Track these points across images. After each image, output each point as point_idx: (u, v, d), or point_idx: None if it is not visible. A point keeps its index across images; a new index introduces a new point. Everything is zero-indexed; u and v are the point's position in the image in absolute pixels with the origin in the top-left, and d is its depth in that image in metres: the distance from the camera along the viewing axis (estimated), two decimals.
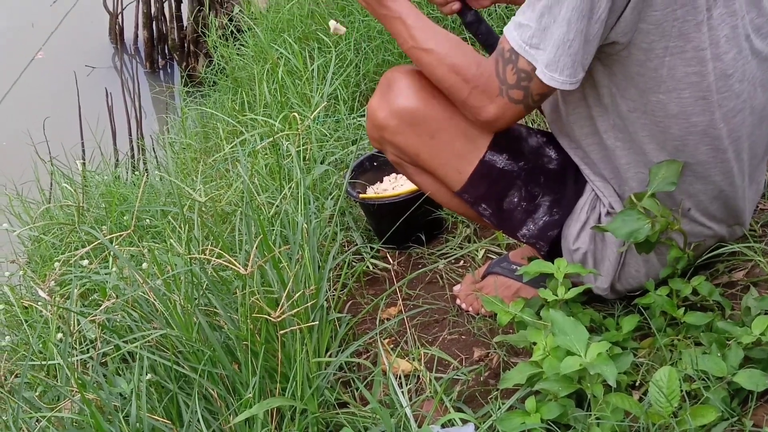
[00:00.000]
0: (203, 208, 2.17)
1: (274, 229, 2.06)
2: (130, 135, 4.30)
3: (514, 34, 1.72)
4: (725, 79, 1.75)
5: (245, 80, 3.45)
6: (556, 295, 1.87)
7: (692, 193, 1.86)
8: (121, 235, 1.98)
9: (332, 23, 2.17)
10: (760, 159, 1.93)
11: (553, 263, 1.89)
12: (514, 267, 2.18)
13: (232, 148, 2.53)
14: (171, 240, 1.94)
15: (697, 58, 1.71)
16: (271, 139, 2.25)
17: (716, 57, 1.72)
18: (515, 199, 1.94)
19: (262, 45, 3.42)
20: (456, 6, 2.02)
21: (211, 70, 4.13)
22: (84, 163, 3.12)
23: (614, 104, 1.78)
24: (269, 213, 2.05)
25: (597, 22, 1.64)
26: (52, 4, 5.91)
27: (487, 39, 2.08)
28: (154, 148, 3.99)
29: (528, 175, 1.93)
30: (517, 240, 2.03)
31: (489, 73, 1.78)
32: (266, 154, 2.64)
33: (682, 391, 1.56)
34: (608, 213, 1.90)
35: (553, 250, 1.98)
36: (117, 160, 4.01)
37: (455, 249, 2.47)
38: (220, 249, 1.91)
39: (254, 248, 1.81)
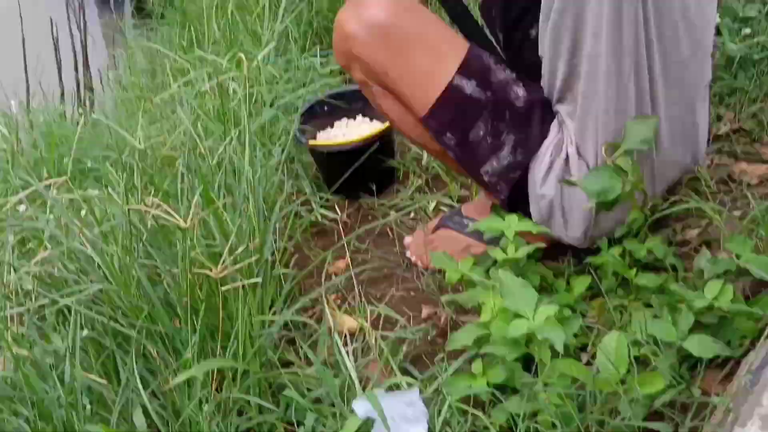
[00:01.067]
0: (146, 153, 2.08)
1: (217, 179, 1.98)
2: (77, 70, 4.16)
3: None
4: None
5: (194, 15, 3.33)
6: (506, 254, 1.83)
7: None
8: (56, 182, 1.89)
9: None
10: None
11: (512, 212, 1.85)
12: (466, 222, 2.13)
13: (177, 88, 2.43)
14: (108, 189, 1.85)
15: None
16: (215, 81, 2.16)
17: None
18: (481, 132, 1.89)
19: None
20: None
21: (159, 2, 3.99)
22: (27, 102, 2.99)
23: None
24: (212, 161, 1.97)
25: None
26: None
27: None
28: (101, 84, 3.86)
29: (494, 107, 1.89)
30: (479, 179, 1.97)
31: None
32: (214, 96, 2.54)
33: (630, 357, 1.53)
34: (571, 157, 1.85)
35: (513, 197, 1.93)
36: (62, 96, 3.88)
37: (406, 200, 2.41)
38: (161, 198, 1.84)
39: (195, 199, 1.74)
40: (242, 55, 2.07)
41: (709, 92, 1.94)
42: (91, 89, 4.02)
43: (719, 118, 2.42)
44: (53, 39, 4.06)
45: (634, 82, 1.77)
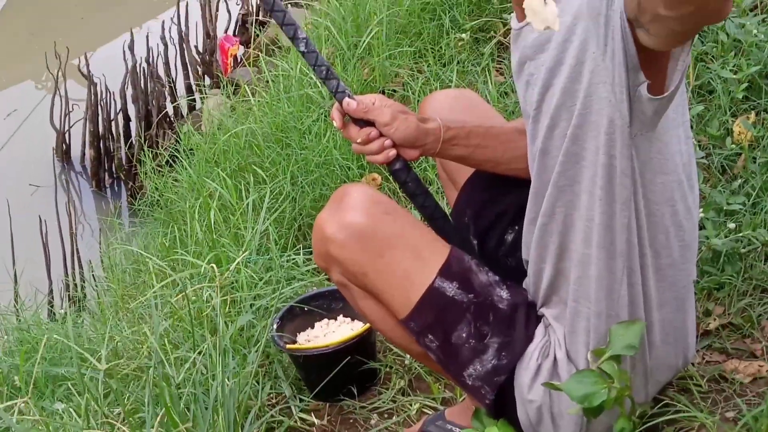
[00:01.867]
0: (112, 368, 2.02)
1: (185, 394, 1.91)
2: (65, 266, 4.15)
3: None
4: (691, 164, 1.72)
5: (179, 214, 3.35)
6: None
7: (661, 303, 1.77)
8: (17, 403, 1.82)
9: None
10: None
11: (498, 417, 1.78)
12: (450, 427, 2.05)
13: (152, 294, 2.40)
14: (71, 410, 1.78)
15: None
16: (189, 290, 2.13)
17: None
18: (464, 334, 1.83)
19: (196, 177, 3.34)
20: (392, 153, 1.92)
21: (144, 202, 4.03)
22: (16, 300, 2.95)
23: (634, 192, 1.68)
24: (179, 376, 1.91)
25: None
26: (5, 118, 5.86)
27: (415, 188, 1.98)
28: (83, 284, 3.85)
29: (477, 309, 1.83)
30: (462, 383, 1.89)
31: None
32: (194, 299, 2.51)
33: None
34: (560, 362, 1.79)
35: (499, 401, 1.85)
36: (51, 293, 3.87)
37: (388, 403, 2.33)
38: (124, 419, 1.77)
39: (156, 424, 1.67)
40: (214, 267, 2.03)
41: (694, 289, 1.90)
42: (81, 286, 4.00)
43: (708, 313, 2.36)
44: (42, 238, 4.07)
45: (626, 285, 1.73)
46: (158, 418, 1.68)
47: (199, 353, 2.02)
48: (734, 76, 2.83)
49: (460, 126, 1.97)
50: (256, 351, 2.31)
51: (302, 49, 1.92)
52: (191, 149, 3.68)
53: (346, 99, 1.90)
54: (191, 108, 5.57)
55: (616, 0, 1.46)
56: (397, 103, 1.95)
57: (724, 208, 2.51)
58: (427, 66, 3.50)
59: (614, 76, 1.53)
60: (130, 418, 1.80)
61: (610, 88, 1.55)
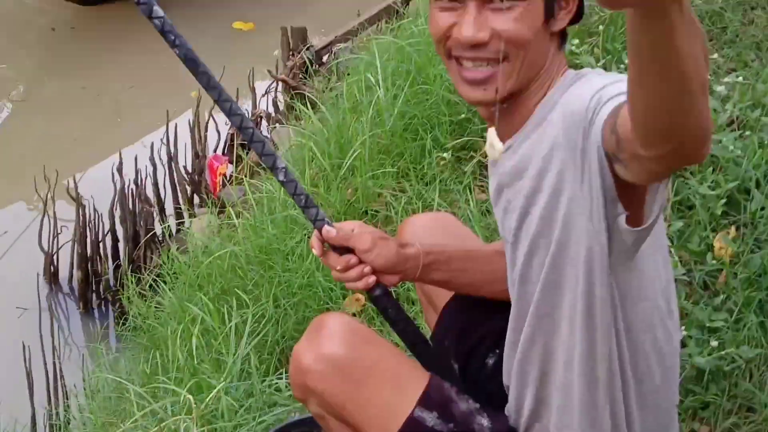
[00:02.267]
0: None
1: None
2: (48, 392, 4.10)
3: None
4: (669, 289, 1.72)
5: (161, 339, 3.33)
6: None
7: None
8: None
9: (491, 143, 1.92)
10: None
11: None
12: None
13: (133, 422, 2.36)
14: None
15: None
16: (163, 424, 2.09)
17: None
18: None
19: (179, 301, 3.33)
20: (372, 279, 1.91)
21: (126, 327, 4.00)
22: None
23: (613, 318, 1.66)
24: None
25: None
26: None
27: (395, 315, 1.97)
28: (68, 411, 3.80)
29: None
30: None
31: None
32: (174, 429, 2.47)
33: None
34: None
35: None
36: (34, 421, 3.82)
37: None
38: None
39: None
40: (190, 398, 2.00)
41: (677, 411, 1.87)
42: (65, 414, 3.94)
43: None
44: (25, 365, 4.03)
45: (609, 412, 1.70)
46: None
47: None
48: (712, 192, 2.85)
49: (440, 250, 1.97)
50: None
51: (281, 178, 1.93)
52: (175, 274, 3.68)
53: (326, 227, 1.91)
54: (180, 227, 5.58)
55: (592, 132, 1.46)
56: (376, 230, 1.96)
57: (707, 325, 2.50)
58: (410, 185, 3.53)
59: (592, 207, 1.53)
60: None
61: (589, 218, 1.55)
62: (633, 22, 1.09)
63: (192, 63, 1.82)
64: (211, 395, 2.27)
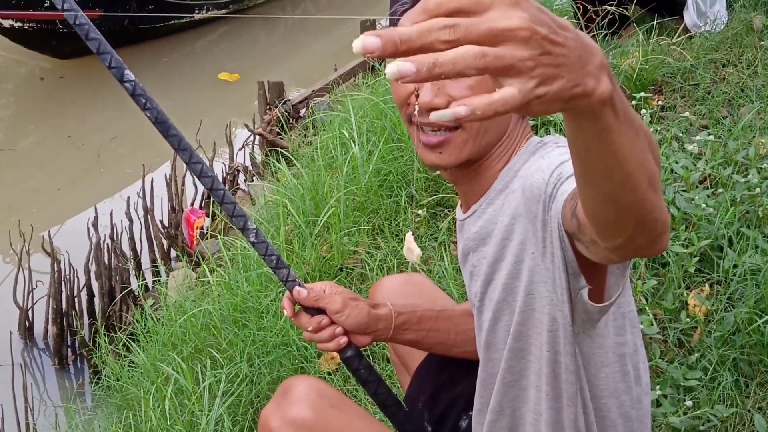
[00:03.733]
0: None
1: None
2: None
3: None
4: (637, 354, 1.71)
5: (134, 400, 3.29)
6: None
7: None
8: None
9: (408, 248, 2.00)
10: None
11: None
12: None
13: None
14: None
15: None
16: None
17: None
18: None
19: (151, 361, 3.29)
20: (344, 340, 1.90)
21: (100, 387, 3.96)
22: None
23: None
24: None
25: None
26: None
27: (367, 376, 1.96)
28: None
29: None
30: None
31: None
32: None
33: None
34: None
35: None
36: None
37: None
38: None
39: None
40: None
41: None
42: None
43: None
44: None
45: None
46: None
47: None
48: (685, 251, 2.86)
49: (411, 311, 1.97)
50: None
51: (252, 239, 1.92)
52: (149, 333, 3.65)
53: (297, 287, 1.90)
54: (156, 280, 5.55)
55: (553, 208, 1.45)
56: (348, 290, 1.95)
57: (682, 384, 2.49)
58: (385, 242, 3.52)
59: (555, 278, 1.52)
60: None
61: (552, 288, 1.54)
62: (566, 124, 1.06)
63: (163, 126, 1.82)
64: None
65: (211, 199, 5.85)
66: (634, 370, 1.71)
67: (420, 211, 3.56)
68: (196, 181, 5.94)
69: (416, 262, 1.73)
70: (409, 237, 1.92)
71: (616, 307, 1.61)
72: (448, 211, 3.58)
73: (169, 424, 2.78)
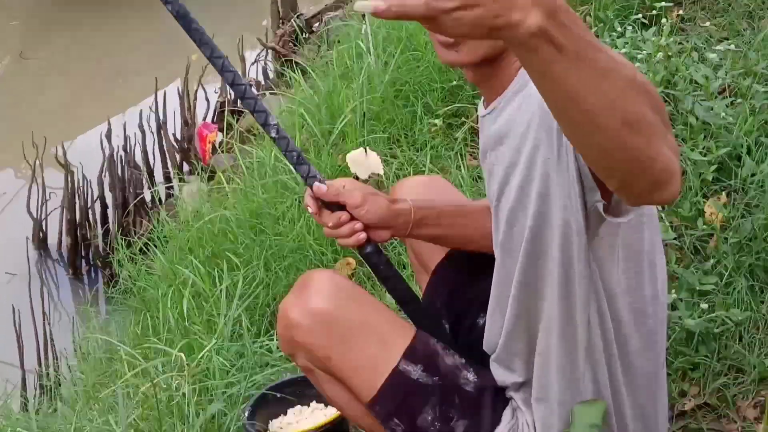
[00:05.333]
0: None
1: None
2: (39, 355, 4.10)
3: None
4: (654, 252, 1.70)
5: (152, 302, 3.33)
6: None
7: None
8: None
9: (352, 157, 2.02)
10: None
11: None
12: None
13: (123, 381, 2.37)
14: None
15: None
16: (157, 380, 2.10)
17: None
18: (429, 417, 1.82)
19: (169, 264, 3.32)
20: (363, 236, 1.92)
21: (117, 290, 4.00)
22: None
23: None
24: None
25: None
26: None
27: (386, 272, 1.98)
28: (63, 371, 3.80)
29: (443, 392, 1.82)
30: None
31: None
32: (165, 387, 2.47)
33: None
34: None
35: None
36: (24, 383, 3.82)
37: None
38: None
39: None
40: (182, 357, 2.00)
41: (665, 371, 1.88)
42: (55, 375, 3.94)
43: (683, 393, 2.34)
44: (15, 328, 4.03)
45: (590, 377, 1.71)
46: None
47: None
48: (704, 158, 2.86)
49: (430, 206, 1.98)
50: None
51: (273, 135, 1.93)
52: (165, 237, 3.68)
53: (317, 183, 1.91)
54: (169, 195, 5.57)
55: None
56: (367, 186, 1.97)
57: (697, 288, 2.51)
58: (401, 151, 3.53)
59: (570, 187, 1.52)
60: None
61: (567, 195, 1.54)
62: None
63: (184, 20, 1.81)
64: (203, 353, 2.27)
65: (225, 112, 5.84)
66: (650, 268, 1.71)
67: (436, 121, 3.55)
68: (209, 95, 5.95)
69: (365, 179, 1.74)
70: (358, 152, 1.92)
71: (636, 214, 1.61)
72: (465, 120, 3.57)
73: (187, 324, 2.82)
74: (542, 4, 1.03)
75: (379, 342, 1.85)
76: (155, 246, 3.81)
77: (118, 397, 2.43)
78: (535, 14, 1.03)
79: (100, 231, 5.46)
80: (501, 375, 1.83)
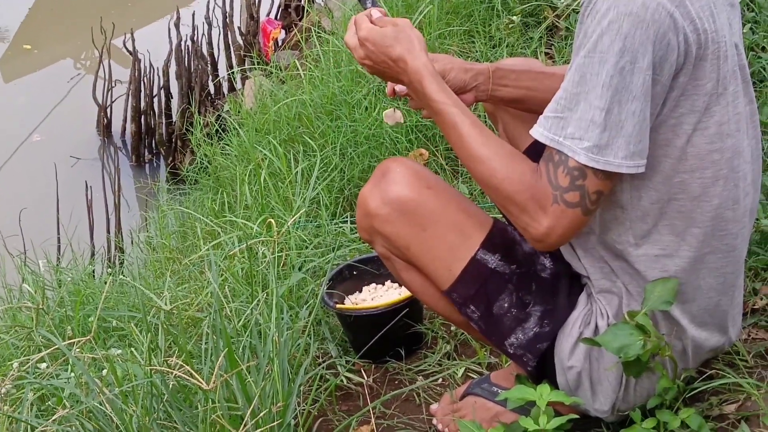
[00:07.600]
0: (171, 313, 2.06)
1: (242, 341, 1.95)
2: (108, 231, 4.21)
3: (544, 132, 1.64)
4: (738, 158, 1.71)
5: (227, 180, 3.39)
6: (538, 425, 1.76)
7: (694, 298, 1.77)
8: (80, 341, 1.86)
9: (388, 113, 2.08)
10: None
11: (539, 382, 1.78)
12: (496, 389, 2.06)
13: (206, 251, 2.43)
14: (131, 349, 1.82)
15: (718, 134, 1.66)
16: (245, 245, 2.16)
17: (731, 134, 1.68)
18: (505, 304, 1.85)
19: (246, 146, 3.37)
20: None
21: (194, 168, 4.06)
22: (57, 261, 3.00)
23: (635, 199, 1.70)
24: (239, 323, 1.94)
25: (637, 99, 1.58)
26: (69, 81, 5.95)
27: None
28: (132, 245, 3.90)
29: (520, 280, 1.85)
30: (504, 351, 1.91)
31: (542, 182, 1.65)
32: (243, 258, 2.54)
33: None
34: (600, 329, 1.81)
35: (540, 366, 1.87)
36: (93, 256, 3.91)
37: (434, 366, 2.36)
38: (184, 359, 1.80)
39: (218, 362, 1.71)
40: (272, 221, 2.06)
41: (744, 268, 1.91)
42: (122, 250, 4.05)
43: (755, 292, 2.37)
44: (87, 201, 4.13)
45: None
46: (221, 355, 1.71)
47: (255, 305, 2.05)
48: None
49: (509, 68, 2.01)
50: (307, 309, 2.34)
51: None
52: (240, 122, 3.72)
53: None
54: (231, 88, 5.62)
55: None
56: (446, 56, 2.02)
57: None
58: (477, 47, 3.53)
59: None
60: (192, 361, 1.84)
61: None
62: None
63: None
64: (283, 230, 2.32)
65: (289, 11, 5.84)
66: (733, 173, 1.72)
67: (514, 18, 3.54)
68: None
69: (392, 125, 1.85)
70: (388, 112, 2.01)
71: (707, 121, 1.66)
72: (542, 20, 3.56)
73: (264, 201, 2.87)
74: (405, 73, 1.75)
75: (457, 231, 1.86)
76: (224, 131, 3.86)
77: (196, 265, 2.50)
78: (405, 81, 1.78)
79: (164, 121, 5.54)
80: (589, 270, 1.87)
